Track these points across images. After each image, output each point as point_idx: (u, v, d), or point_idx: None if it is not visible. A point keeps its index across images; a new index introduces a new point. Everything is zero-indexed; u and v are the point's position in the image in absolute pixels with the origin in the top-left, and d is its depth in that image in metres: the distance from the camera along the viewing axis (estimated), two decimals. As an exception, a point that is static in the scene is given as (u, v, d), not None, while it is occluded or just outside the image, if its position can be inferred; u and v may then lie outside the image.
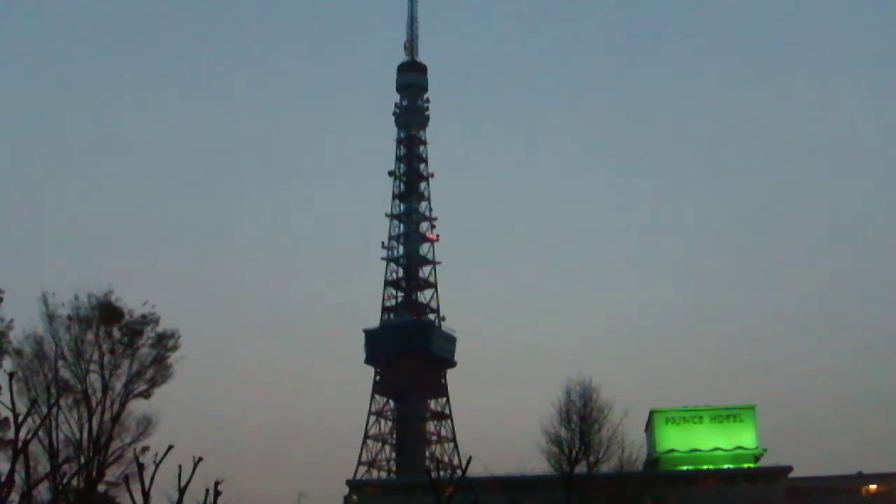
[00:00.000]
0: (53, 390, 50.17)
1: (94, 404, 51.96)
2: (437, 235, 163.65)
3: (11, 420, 45.60)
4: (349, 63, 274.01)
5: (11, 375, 46.24)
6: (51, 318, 51.48)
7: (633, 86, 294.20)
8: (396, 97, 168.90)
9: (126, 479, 50.28)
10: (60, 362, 51.56)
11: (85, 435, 51.56)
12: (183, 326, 54.81)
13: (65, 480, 50.14)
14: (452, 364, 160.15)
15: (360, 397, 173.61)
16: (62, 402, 50.97)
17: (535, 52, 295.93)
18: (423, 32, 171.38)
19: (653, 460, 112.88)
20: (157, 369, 53.77)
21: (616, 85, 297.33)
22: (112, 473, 52.53)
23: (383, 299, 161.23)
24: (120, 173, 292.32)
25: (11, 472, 45.93)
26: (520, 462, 74.92)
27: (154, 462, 48.62)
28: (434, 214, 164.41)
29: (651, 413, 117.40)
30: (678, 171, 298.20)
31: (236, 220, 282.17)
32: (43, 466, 49.79)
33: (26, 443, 45.93)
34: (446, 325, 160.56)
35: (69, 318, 51.87)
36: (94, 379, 52.31)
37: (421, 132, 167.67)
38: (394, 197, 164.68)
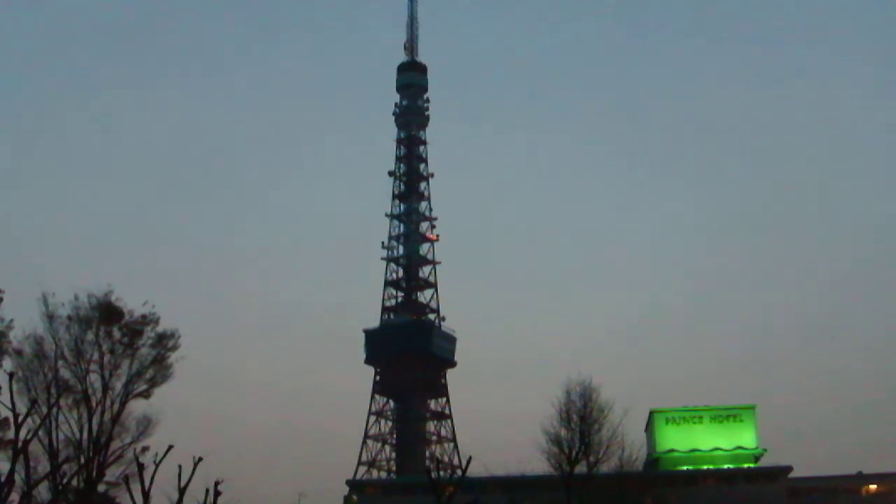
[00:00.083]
0: (53, 390, 50.17)
1: (94, 404, 51.95)
2: (437, 235, 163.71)
3: (11, 420, 45.59)
4: (349, 63, 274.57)
5: (11, 375, 46.25)
6: (51, 318, 51.49)
7: (633, 86, 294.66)
8: (396, 97, 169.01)
9: (126, 479, 50.31)
10: (60, 362, 51.57)
11: (85, 435, 51.56)
12: (183, 326, 54.92)
13: (65, 480, 50.11)
14: (452, 364, 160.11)
15: (360, 397, 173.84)
16: (62, 402, 50.95)
17: (535, 52, 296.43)
18: (423, 32, 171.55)
19: (653, 460, 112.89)
20: (157, 369, 53.76)
21: (616, 85, 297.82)
22: (112, 473, 52.60)
23: (383, 299, 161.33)
24: (120, 173, 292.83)
25: (11, 472, 45.92)
26: (520, 462, 75.01)
27: (154, 462, 48.68)
28: (434, 214, 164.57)
29: (651, 413, 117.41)
30: (678, 171, 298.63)
31: (236, 220, 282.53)
32: (43, 466, 49.81)
33: (26, 443, 45.92)
34: (446, 325, 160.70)
35: (69, 318, 51.89)
36: (94, 379, 52.36)
37: (421, 132, 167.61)
38: (394, 197, 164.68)
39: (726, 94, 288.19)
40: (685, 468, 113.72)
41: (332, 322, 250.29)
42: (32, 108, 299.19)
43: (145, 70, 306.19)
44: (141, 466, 48.66)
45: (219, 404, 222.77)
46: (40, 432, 49.09)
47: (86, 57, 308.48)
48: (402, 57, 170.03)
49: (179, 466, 49.10)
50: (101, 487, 53.25)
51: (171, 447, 48.82)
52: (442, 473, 65.16)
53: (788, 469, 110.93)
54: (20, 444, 45.49)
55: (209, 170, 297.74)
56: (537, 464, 73.94)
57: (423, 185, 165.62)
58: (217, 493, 52.70)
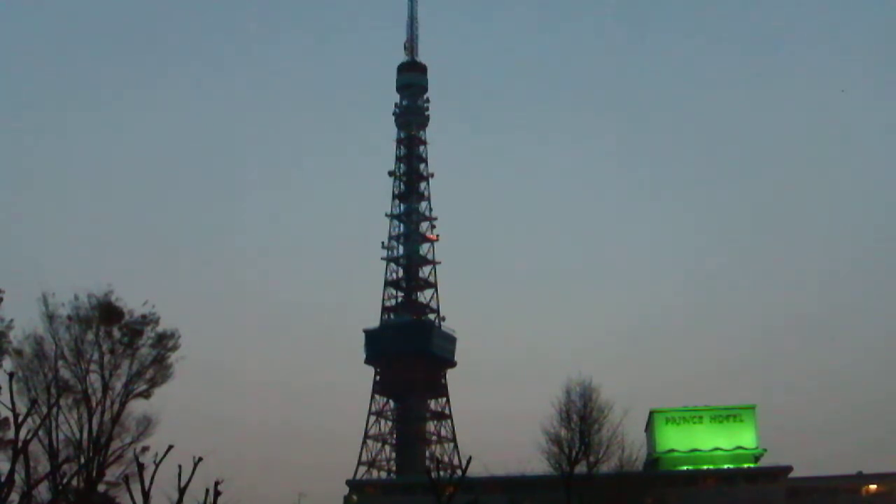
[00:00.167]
0: (53, 390, 50.13)
1: (94, 404, 51.92)
2: (437, 235, 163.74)
3: (11, 420, 45.59)
4: (349, 63, 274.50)
5: (11, 375, 46.22)
6: (51, 318, 51.45)
7: (633, 86, 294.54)
8: (396, 97, 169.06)
9: (126, 479, 50.30)
10: (60, 362, 51.53)
11: (85, 435, 51.52)
12: (183, 326, 54.90)
13: (65, 480, 50.11)
14: (452, 364, 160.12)
15: (360, 397, 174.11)
16: (62, 402, 50.92)
17: (535, 52, 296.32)
18: (423, 32, 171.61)
19: (653, 460, 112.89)
20: (157, 369, 53.74)
21: (616, 85, 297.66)
22: (112, 473, 52.58)
23: (383, 299, 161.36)
24: (120, 173, 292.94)
25: (11, 472, 45.93)
26: (520, 462, 75.05)
27: (154, 462, 48.65)
28: (434, 214, 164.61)
29: (651, 413, 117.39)
30: (678, 171, 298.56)
31: (236, 219, 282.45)
32: (43, 466, 49.77)
33: (26, 443, 45.92)
34: (446, 325, 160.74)
35: (69, 318, 51.84)
36: (94, 379, 52.32)
37: (421, 132, 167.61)
38: (394, 197, 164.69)
39: (726, 94, 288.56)
40: (685, 468, 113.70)
41: (332, 322, 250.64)
42: (32, 108, 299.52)
43: (145, 70, 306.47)
44: (141, 466, 48.64)
45: (219, 404, 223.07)
46: (40, 432, 49.06)
47: (86, 57, 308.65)
48: (402, 57, 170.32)
49: (179, 466, 49.14)
50: (101, 487, 53.25)
51: (171, 447, 48.84)
52: (442, 473, 65.07)
53: (788, 469, 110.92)
54: (20, 444, 45.48)
55: (209, 170, 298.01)
56: (537, 464, 74.10)
57: (423, 185, 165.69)
58: (217, 493, 52.68)
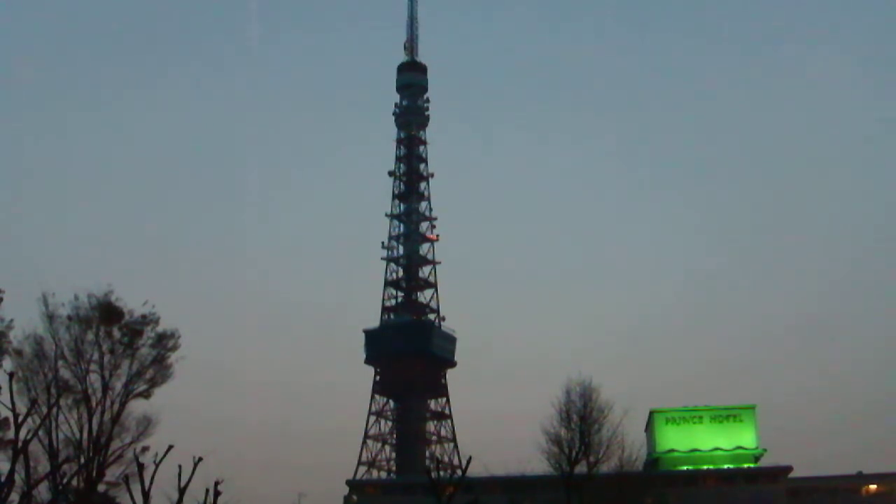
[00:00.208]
0: (53, 390, 50.09)
1: (94, 404, 51.87)
2: (437, 235, 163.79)
3: (11, 420, 45.57)
4: (349, 63, 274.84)
5: (11, 375, 46.24)
6: (51, 318, 51.39)
7: (633, 86, 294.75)
8: (396, 97, 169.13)
9: (126, 479, 50.30)
10: (60, 362, 51.48)
11: (85, 435, 51.46)
12: (183, 326, 54.87)
13: (65, 480, 50.09)
14: (452, 364, 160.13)
15: (360, 397, 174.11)
16: (62, 402, 50.87)
17: (536, 52, 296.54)
18: (423, 32, 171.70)
19: (653, 460, 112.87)
20: (157, 369, 53.69)
21: (616, 85, 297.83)
22: (112, 473, 52.52)
23: (383, 299, 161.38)
24: (120, 173, 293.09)
25: (11, 472, 45.89)
26: (520, 462, 74.98)
27: (154, 462, 48.63)
28: (434, 214, 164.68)
29: (651, 413, 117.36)
30: (678, 171, 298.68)
31: (236, 219, 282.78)
32: (43, 466, 49.73)
33: (26, 443, 45.90)
34: (446, 325, 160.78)
35: (69, 318, 51.76)
36: (94, 379, 52.24)
37: (421, 132, 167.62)
38: (394, 197, 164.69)
39: (726, 94, 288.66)
40: (685, 468, 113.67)
41: (332, 322, 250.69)
42: (32, 108, 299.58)
43: (145, 70, 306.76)
44: (141, 466, 48.63)
45: (219, 404, 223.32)
46: (40, 432, 49.01)
47: (86, 57, 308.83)
48: (402, 57, 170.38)
49: (179, 466, 49.14)
50: (101, 487, 53.20)
51: (171, 447, 48.83)
52: (442, 473, 65.06)
53: (788, 469, 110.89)
54: (20, 444, 45.46)
55: (209, 170, 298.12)
56: (537, 464, 74.05)
57: (423, 185, 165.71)
58: (217, 493, 52.67)
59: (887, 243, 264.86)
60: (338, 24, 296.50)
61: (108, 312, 52.19)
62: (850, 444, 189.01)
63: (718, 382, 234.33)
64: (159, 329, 53.79)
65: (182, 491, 49.01)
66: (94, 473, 51.51)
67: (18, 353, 50.12)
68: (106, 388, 52.22)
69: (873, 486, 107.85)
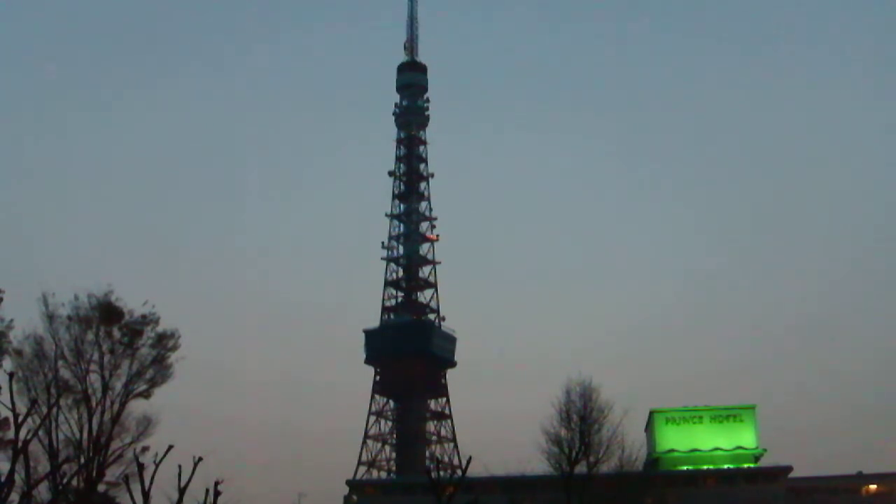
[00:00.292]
0: (53, 390, 50.12)
1: (94, 404, 51.90)
2: (437, 235, 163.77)
3: (11, 420, 45.54)
4: (349, 63, 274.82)
5: (11, 375, 46.21)
6: (51, 318, 51.42)
7: (633, 86, 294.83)
8: (396, 97, 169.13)
9: (126, 479, 50.31)
10: (60, 362, 51.51)
11: (85, 435, 51.49)
12: (183, 326, 54.91)
13: (65, 480, 50.08)
14: (452, 364, 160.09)
15: (360, 397, 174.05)
16: (62, 402, 50.90)
17: (536, 52, 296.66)
18: (423, 32, 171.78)
19: (653, 460, 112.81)
20: (157, 369, 53.71)
21: (616, 85, 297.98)
22: (112, 473, 52.55)
23: (383, 299, 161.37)
24: (120, 173, 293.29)
25: (11, 472, 45.87)
26: (520, 462, 75.01)
27: (154, 462, 48.65)
28: (434, 214, 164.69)
29: (651, 413, 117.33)
30: (678, 170, 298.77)
31: (236, 219, 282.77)
32: (43, 466, 49.74)
33: (26, 443, 45.89)
34: (446, 325, 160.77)
35: (69, 318, 51.81)
36: (94, 379, 52.29)
37: (421, 132, 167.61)
38: (394, 197, 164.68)
39: (726, 94, 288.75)
40: (685, 468, 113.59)
41: (332, 322, 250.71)
42: (32, 107, 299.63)
43: (145, 70, 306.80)
44: (141, 466, 48.64)
45: (219, 404, 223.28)
46: (40, 432, 49.04)
47: (86, 57, 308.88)
48: (402, 57, 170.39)
49: (179, 466, 49.16)
50: (101, 487, 53.22)
51: (171, 447, 48.84)
52: (442, 473, 64.99)
53: (788, 469, 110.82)
54: (20, 444, 45.44)
55: (209, 170, 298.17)
56: (537, 464, 74.11)
57: (423, 185, 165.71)
58: (217, 493, 52.69)
59: (887, 243, 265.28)
60: (338, 24, 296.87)
61: (108, 312, 52.21)
62: (850, 444, 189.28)
63: (718, 382, 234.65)
64: (159, 329, 53.92)
65: (182, 491, 49.01)
66: (94, 473, 51.53)
67: (18, 353, 50.16)
68: (106, 388, 52.25)
69: (873, 486, 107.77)
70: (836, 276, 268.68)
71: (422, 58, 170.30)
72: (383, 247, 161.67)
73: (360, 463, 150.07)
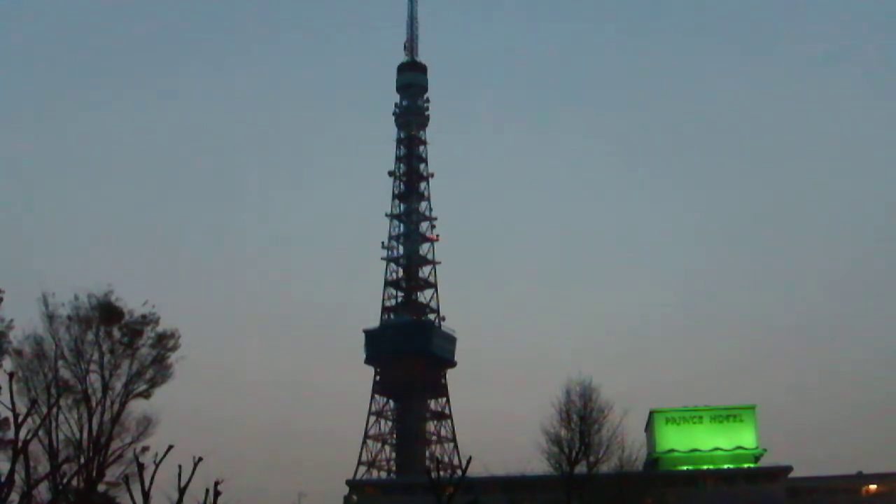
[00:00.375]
0: (53, 390, 50.14)
1: (94, 404, 51.92)
2: (437, 235, 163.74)
3: (11, 420, 45.52)
4: (349, 63, 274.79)
5: (11, 375, 46.17)
6: (51, 318, 51.46)
7: (633, 86, 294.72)
8: (396, 97, 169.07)
9: (126, 479, 50.29)
10: (60, 362, 51.54)
11: (85, 435, 51.52)
12: (183, 326, 54.92)
13: (65, 480, 50.06)
14: (452, 364, 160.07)
15: (360, 397, 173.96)
16: (62, 402, 50.92)
17: (536, 52, 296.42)
18: (423, 32, 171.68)
19: (653, 460, 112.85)
20: (157, 369, 53.74)
21: (616, 85, 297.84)
22: (112, 473, 52.58)
23: (383, 299, 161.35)
24: (120, 173, 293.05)
25: (11, 472, 45.85)
26: (520, 462, 74.97)
27: (154, 462, 48.57)
28: (434, 214, 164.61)
29: (651, 413, 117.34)
30: (678, 170, 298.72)
31: (236, 219, 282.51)
32: (43, 466, 49.74)
33: (26, 443, 45.86)
34: (446, 325, 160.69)
35: (69, 318, 51.86)
36: (94, 379, 52.33)
37: (421, 132, 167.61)
38: (394, 197, 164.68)
39: (726, 94, 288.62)
40: (685, 468, 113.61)
41: (332, 322, 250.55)
42: (32, 108, 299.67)
43: (145, 70, 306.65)
44: (141, 466, 48.60)
45: (219, 404, 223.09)
46: (40, 432, 49.04)
47: (86, 57, 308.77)
48: (402, 57, 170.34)
49: (179, 466, 49.08)
50: (101, 487, 53.23)
51: (171, 447, 48.77)
52: (442, 473, 64.92)
53: (788, 469, 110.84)
54: (20, 444, 45.40)
55: (209, 169, 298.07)
56: (537, 464, 74.09)
57: (423, 185, 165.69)
58: (217, 493, 52.65)
59: (887, 243, 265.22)
60: (338, 24, 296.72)
61: (108, 312, 52.24)
62: (850, 444, 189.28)
63: (718, 382, 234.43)
64: (159, 329, 53.98)
65: (182, 491, 48.98)
66: (94, 473, 51.54)
67: (18, 353, 50.21)
68: (106, 388, 52.28)
69: (873, 486, 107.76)
70: (836, 275, 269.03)
71: (422, 58, 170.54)
72: (383, 247, 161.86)
73: (360, 463, 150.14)
